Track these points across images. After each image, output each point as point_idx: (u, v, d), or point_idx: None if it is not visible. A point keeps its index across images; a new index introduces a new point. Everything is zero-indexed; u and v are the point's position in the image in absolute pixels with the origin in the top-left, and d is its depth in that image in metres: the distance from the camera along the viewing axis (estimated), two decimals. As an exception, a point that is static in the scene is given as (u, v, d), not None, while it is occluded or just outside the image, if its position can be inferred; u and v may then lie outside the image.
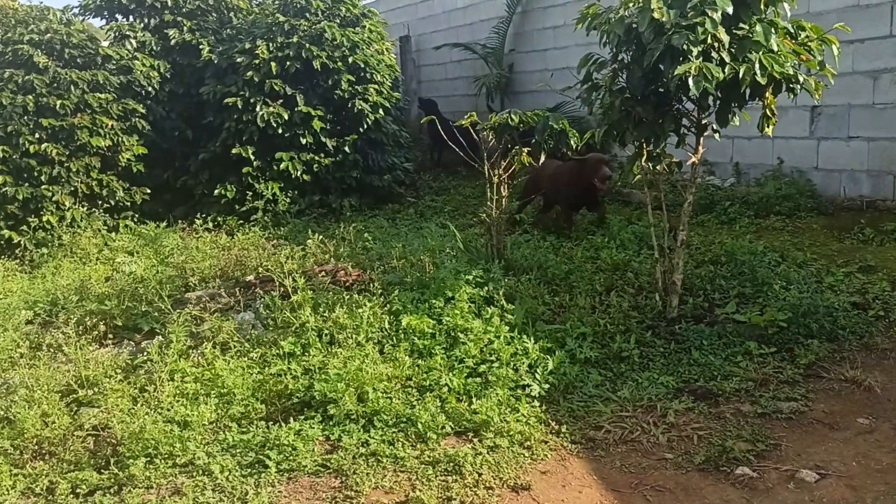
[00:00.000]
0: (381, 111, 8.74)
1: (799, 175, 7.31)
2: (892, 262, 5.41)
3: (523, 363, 3.81)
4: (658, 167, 4.60)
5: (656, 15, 3.96)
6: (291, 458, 3.13)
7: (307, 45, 8.29)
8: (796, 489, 2.90)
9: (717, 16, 3.88)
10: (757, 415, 3.43)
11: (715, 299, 4.77)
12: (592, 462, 3.15)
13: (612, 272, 5.27)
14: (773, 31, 3.97)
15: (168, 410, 3.46)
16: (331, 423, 3.39)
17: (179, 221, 7.70)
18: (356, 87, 8.55)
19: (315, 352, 3.90)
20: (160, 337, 4.22)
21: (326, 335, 4.08)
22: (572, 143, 5.06)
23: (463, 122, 5.33)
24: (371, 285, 4.58)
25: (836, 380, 3.71)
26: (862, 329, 4.20)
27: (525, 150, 5.24)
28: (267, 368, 3.82)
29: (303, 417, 3.44)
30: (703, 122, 4.45)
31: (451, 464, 3.06)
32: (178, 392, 3.62)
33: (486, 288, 4.53)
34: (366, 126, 8.61)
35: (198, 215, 7.37)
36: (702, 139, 4.50)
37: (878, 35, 6.60)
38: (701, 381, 3.76)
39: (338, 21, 8.78)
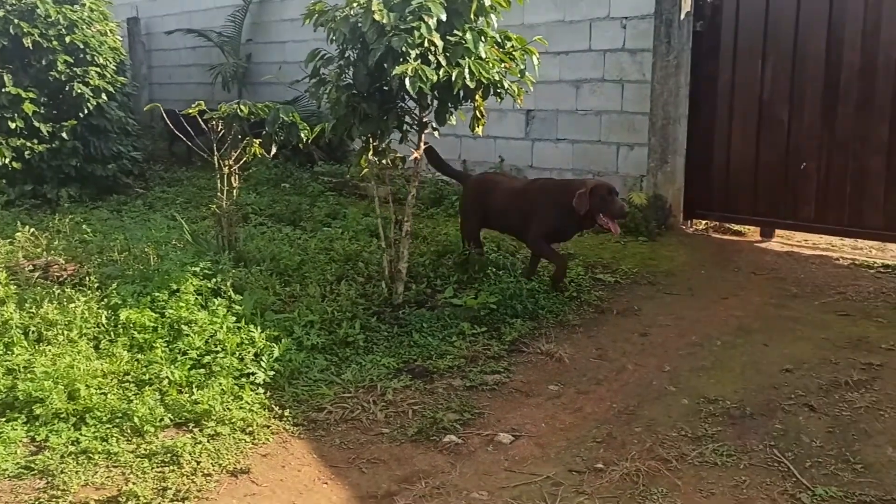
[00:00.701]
0: (104, 96, 8.21)
1: (517, 172, 8.00)
2: (588, 249, 6.15)
3: (249, 352, 3.85)
4: (384, 161, 4.84)
5: (377, 17, 4.17)
6: (-10, 463, 2.92)
7: (16, 21, 7.57)
8: (494, 451, 3.25)
9: (432, 22, 4.18)
10: (466, 388, 3.77)
11: (437, 286, 5.12)
12: (313, 442, 3.28)
13: (344, 262, 5.44)
14: (482, 39, 4.36)
15: None
16: (37, 423, 3.20)
17: None
18: (75, 69, 7.95)
19: (20, 350, 3.64)
20: None
21: (34, 333, 3.82)
22: (303, 136, 5.15)
23: (190, 111, 5.21)
24: (88, 279, 4.35)
25: (534, 353, 4.17)
26: (558, 308, 4.75)
27: (256, 141, 5.25)
28: (-39, 372, 3.51)
29: (4, 420, 3.21)
30: (424, 120, 4.75)
31: (169, 455, 3.04)
32: None
33: (214, 279, 4.49)
34: (87, 111, 8.03)
35: None
36: (423, 136, 4.80)
37: (580, 48, 7.42)
38: (419, 360, 4.04)
39: (54, -4, 8.11)
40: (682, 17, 6.43)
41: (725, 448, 3.22)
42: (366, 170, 4.85)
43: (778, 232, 6.49)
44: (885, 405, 3.53)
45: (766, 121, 6.26)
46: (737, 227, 6.70)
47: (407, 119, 4.75)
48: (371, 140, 4.72)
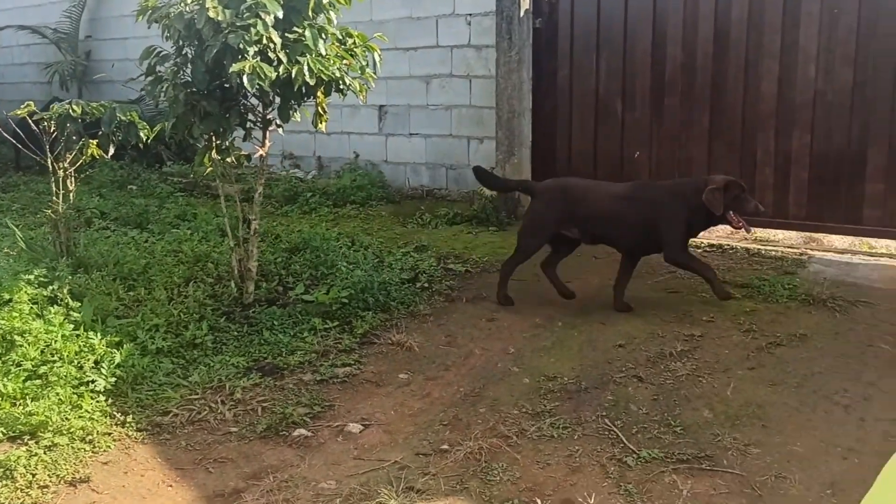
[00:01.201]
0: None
1: (372, 167, 8.09)
2: (441, 241, 6.30)
3: (89, 360, 3.73)
4: (228, 159, 4.79)
5: (211, 14, 4.12)
6: None
7: None
8: (344, 441, 3.31)
9: (269, 19, 4.17)
10: (316, 382, 3.81)
11: (289, 283, 5.12)
12: (158, 446, 3.23)
13: (193, 264, 5.34)
14: (322, 36, 4.39)
15: None
16: None
17: None
18: None
19: None
20: None
21: None
22: (142, 135, 5.00)
23: (18, 112, 4.94)
24: None
25: (385, 344, 4.27)
26: (409, 299, 4.87)
27: (93, 142, 5.05)
28: None
29: None
30: (269, 116, 4.74)
31: (2, 469, 2.92)
32: None
33: (50, 287, 4.31)
34: None
35: None
36: (268, 133, 4.78)
37: (428, 44, 7.57)
38: (269, 358, 4.04)
39: None
40: (522, 14, 6.69)
41: (562, 421, 3.42)
42: (210, 168, 4.78)
43: (618, 217, 6.87)
44: (703, 371, 3.86)
45: (603, 113, 6.63)
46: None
47: (250, 116, 4.72)
48: (214, 138, 4.66)
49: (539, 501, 2.84)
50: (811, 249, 5.89)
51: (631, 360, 4.02)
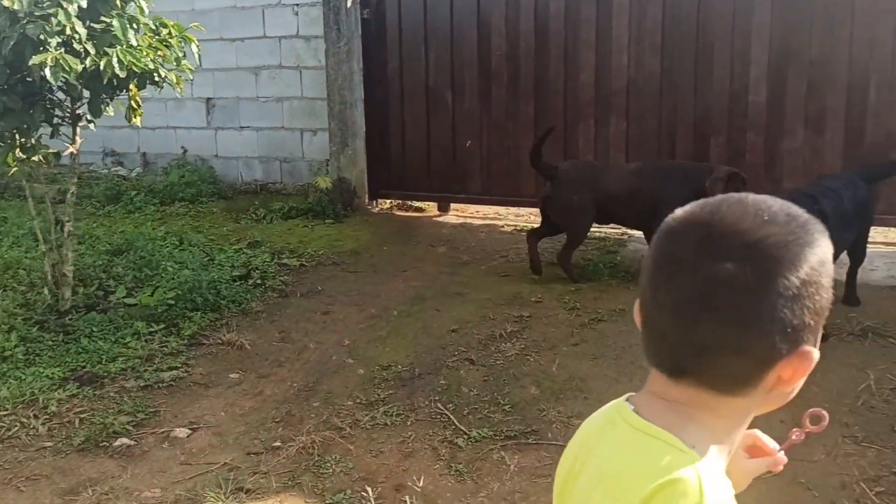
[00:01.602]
0: None
1: (202, 163, 7.80)
2: (276, 236, 6.19)
3: None
4: (35, 158, 4.47)
5: (6, 3, 3.83)
6: None
7: None
8: (170, 447, 3.20)
9: (72, 8, 3.92)
10: (140, 388, 3.65)
11: (110, 287, 4.85)
12: (-40, 470, 2.99)
13: (3, 271, 4.96)
14: (132, 26, 4.18)
15: None
16: None
17: None
18: None
19: None
20: None
21: None
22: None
23: None
24: None
25: (215, 344, 4.15)
26: (241, 297, 4.75)
27: None
28: None
29: None
30: (78, 112, 4.46)
31: None
32: None
33: None
34: None
35: None
36: (79, 129, 4.50)
37: (255, 35, 7.38)
38: (88, 366, 3.82)
39: None
40: (349, 4, 6.66)
41: (395, 409, 3.47)
42: (15, 169, 4.44)
43: (453, 206, 7.02)
44: (531, 350, 4.02)
45: (434, 104, 6.72)
46: (418, 204, 7.13)
47: (57, 112, 4.43)
48: (17, 136, 4.33)
49: (370, 490, 2.86)
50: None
51: (463, 344, 4.12)
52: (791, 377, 0.92)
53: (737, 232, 0.89)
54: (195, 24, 4.69)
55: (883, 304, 4.45)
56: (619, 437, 0.98)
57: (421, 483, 2.88)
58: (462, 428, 3.29)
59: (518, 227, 6.43)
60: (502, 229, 6.45)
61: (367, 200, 7.03)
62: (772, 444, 1.15)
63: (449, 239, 6.22)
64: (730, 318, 0.88)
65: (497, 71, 6.43)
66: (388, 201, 7.22)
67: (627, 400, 1.01)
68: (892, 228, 5.82)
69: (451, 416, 3.39)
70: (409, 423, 3.36)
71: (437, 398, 3.56)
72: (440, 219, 6.85)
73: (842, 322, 4.19)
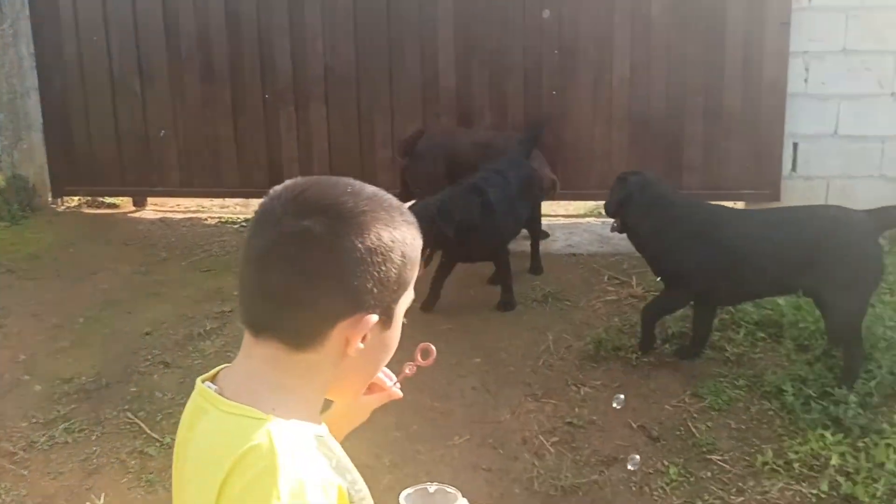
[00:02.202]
0: None
1: None
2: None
3: None
4: None
5: None
6: None
7: None
8: None
9: None
10: None
11: None
12: None
13: None
14: None
15: None
16: None
17: None
18: None
19: None
20: None
21: None
22: None
23: None
24: None
25: None
26: None
27: None
28: None
29: None
30: None
31: None
32: None
33: None
34: None
35: None
36: None
37: None
38: None
39: None
40: (13, -18, 5.95)
41: (77, 424, 3.18)
42: None
43: (151, 200, 6.59)
44: (232, 347, 3.88)
45: (121, 92, 6.23)
46: (111, 200, 6.60)
47: None
48: None
49: (44, 517, 2.59)
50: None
51: (158, 347, 3.88)
52: (351, 339, 0.97)
53: (322, 196, 0.98)
54: None
55: (562, 272, 4.90)
56: (207, 425, 0.98)
57: (102, 500, 2.66)
58: (154, 435, 3.10)
59: (223, 219, 6.20)
60: (205, 222, 6.17)
61: (50, 199, 6.36)
62: (387, 379, 1.26)
63: (146, 236, 5.83)
64: (298, 270, 0.94)
65: (189, 57, 6.11)
66: (77, 198, 6.59)
67: (217, 377, 1.03)
68: (571, 202, 6.44)
69: (142, 425, 3.18)
70: (93, 437, 3.10)
71: (126, 407, 3.32)
72: (136, 215, 6.40)
73: (527, 290, 4.57)
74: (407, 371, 1.28)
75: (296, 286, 0.95)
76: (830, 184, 5.41)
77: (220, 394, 0.98)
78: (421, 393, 3.51)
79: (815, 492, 2.85)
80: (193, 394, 1.03)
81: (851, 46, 5.19)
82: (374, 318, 0.96)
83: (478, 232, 4.14)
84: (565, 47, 5.65)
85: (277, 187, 1.01)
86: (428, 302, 4.27)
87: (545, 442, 3.18)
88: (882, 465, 2.90)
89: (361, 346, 0.98)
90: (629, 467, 3.00)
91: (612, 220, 3.94)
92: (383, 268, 0.95)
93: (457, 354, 3.90)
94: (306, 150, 6.20)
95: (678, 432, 3.24)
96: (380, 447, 3.01)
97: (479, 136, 5.55)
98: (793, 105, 5.30)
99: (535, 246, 4.93)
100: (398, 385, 1.27)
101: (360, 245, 0.94)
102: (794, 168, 5.42)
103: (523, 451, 3.13)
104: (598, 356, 3.79)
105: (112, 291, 4.65)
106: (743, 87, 5.38)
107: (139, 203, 6.54)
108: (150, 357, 3.77)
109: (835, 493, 2.84)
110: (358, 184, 1.01)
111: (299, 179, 1.02)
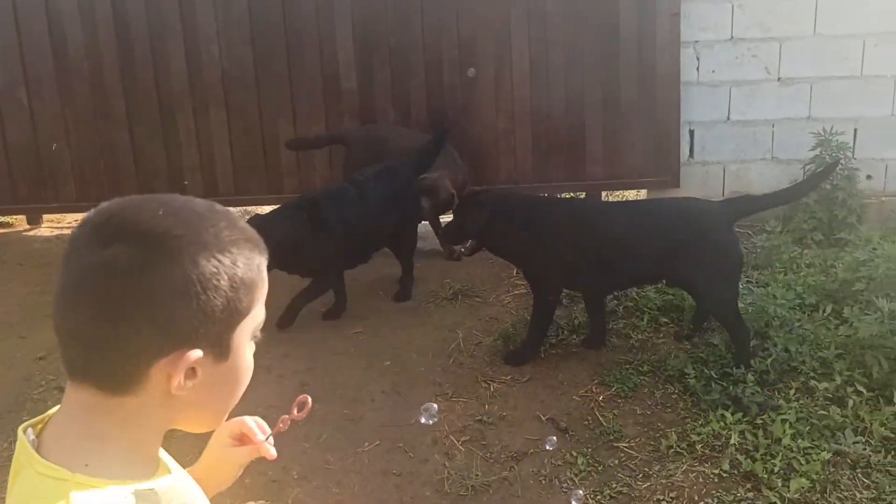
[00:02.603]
0: None
1: None
2: None
3: None
4: None
5: None
6: None
7: None
8: None
9: None
10: None
11: None
12: None
13: None
14: None
15: None
16: None
17: None
18: None
19: None
20: None
21: None
22: None
23: None
24: None
25: None
26: None
27: None
28: None
29: None
30: None
31: None
32: None
33: None
34: None
35: None
36: None
37: None
38: None
39: None
40: None
41: (-36, 461, 3.00)
42: None
43: (47, 217, 6.31)
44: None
45: (7, 104, 5.94)
46: (3, 219, 6.30)
47: None
48: None
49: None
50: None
51: (52, 372, 3.70)
52: (173, 378, 0.89)
53: (130, 220, 0.87)
54: None
55: (472, 267, 4.89)
56: (21, 486, 0.89)
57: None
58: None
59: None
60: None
61: (-63, 220, 6.03)
62: (259, 433, 1.18)
63: (42, 255, 5.59)
64: (103, 307, 0.85)
65: (77, 65, 5.86)
66: (-39, 218, 6.26)
67: (46, 424, 0.94)
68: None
69: (35, 455, 3.01)
70: (-20, 472, 2.92)
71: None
72: (31, 233, 6.13)
73: (437, 288, 4.56)
74: (280, 425, 1.21)
75: (102, 325, 0.86)
76: (727, 168, 5.59)
77: (36, 448, 0.90)
78: (330, 400, 3.46)
79: (717, 471, 2.93)
80: (17, 444, 0.93)
81: (739, 35, 5.36)
82: (198, 353, 0.88)
83: (304, 248, 3.94)
84: (465, 44, 5.65)
85: (90, 212, 0.91)
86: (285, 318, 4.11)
87: (455, 441, 3.18)
88: (779, 440, 3.00)
89: (189, 383, 0.90)
90: (547, 447, 3.02)
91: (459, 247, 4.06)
92: (203, 297, 0.86)
93: (366, 357, 3.86)
94: (208, 157, 6.04)
95: (586, 422, 3.29)
96: (286, 460, 2.94)
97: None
98: (687, 93, 5.44)
99: (404, 267, 4.58)
100: (271, 439, 1.19)
101: (172, 275, 0.85)
102: (691, 154, 5.57)
103: (434, 453, 3.12)
104: (507, 351, 3.81)
105: (4, 315, 4.44)
106: (639, 78, 5.49)
107: (34, 221, 6.26)
108: (43, 383, 3.60)
109: (735, 472, 2.92)
110: (178, 203, 0.90)
111: (113, 201, 0.91)
